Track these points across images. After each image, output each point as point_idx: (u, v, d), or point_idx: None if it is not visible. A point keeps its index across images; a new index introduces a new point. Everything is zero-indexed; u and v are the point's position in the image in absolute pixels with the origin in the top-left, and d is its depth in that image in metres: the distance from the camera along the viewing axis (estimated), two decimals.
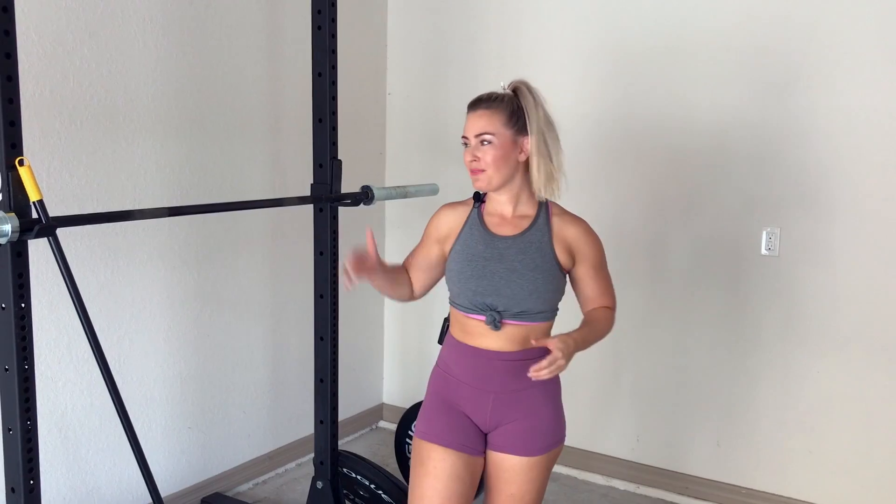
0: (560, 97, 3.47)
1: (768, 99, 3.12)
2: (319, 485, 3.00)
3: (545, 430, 2.04)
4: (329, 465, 2.98)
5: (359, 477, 3.07)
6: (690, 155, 3.30)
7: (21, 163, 1.92)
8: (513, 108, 1.99)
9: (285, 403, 3.68)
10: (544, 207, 2.05)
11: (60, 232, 2.05)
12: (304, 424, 3.73)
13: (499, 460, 2.04)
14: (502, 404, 2.01)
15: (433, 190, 3.26)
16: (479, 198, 2.10)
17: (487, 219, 2.06)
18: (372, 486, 3.06)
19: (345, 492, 3.07)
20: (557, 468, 3.70)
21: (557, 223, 2.03)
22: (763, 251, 3.17)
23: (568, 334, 1.91)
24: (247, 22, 3.30)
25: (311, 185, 2.86)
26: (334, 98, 2.82)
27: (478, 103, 2.01)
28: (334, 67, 2.81)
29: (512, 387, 2.00)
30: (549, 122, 2.02)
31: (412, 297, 2.17)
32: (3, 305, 1.99)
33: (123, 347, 2.97)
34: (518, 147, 1.99)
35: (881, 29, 2.90)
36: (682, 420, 3.45)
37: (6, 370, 2.01)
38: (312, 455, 3.70)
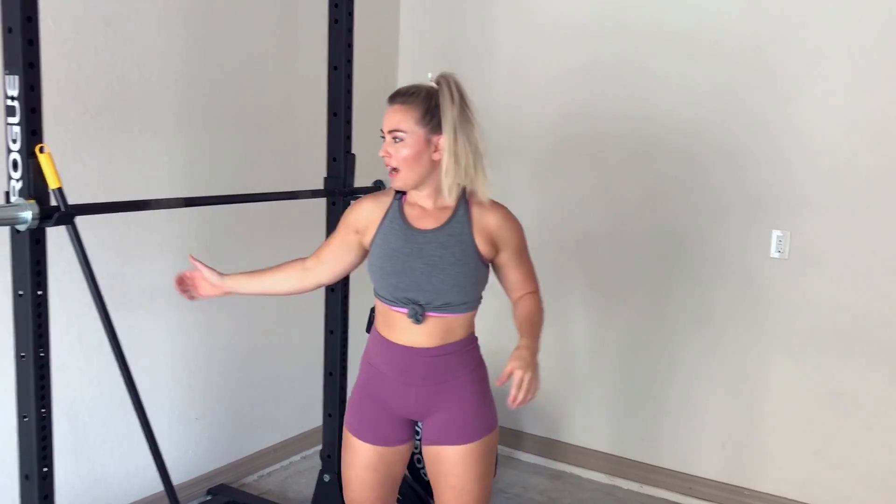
0: (575, 92, 3.50)
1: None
2: (326, 478, 3.01)
3: (475, 418, 2.03)
4: (336, 459, 2.99)
5: None
6: (699, 157, 3.31)
7: (41, 150, 1.92)
8: (429, 104, 1.91)
9: (291, 397, 3.68)
10: (464, 198, 1.99)
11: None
12: (308, 418, 3.74)
13: (434, 453, 2.04)
14: (426, 395, 2.01)
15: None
16: (399, 190, 2.03)
17: (408, 210, 2.00)
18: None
19: None
20: (561, 465, 3.72)
21: (477, 213, 1.98)
22: (773, 254, 3.18)
23: (519, 348, 1.88)
24: (261, 14, 3.30)
25: (325, 178, 2.87)
26: (349, 92, 2.83)
27: (395, 97, 1.95)
28: (350, 61, 2.82)
29: (434, 380, 2.00)
30: (466, 121, 1.92)
31: (306, 284, 2.14)
32: (21, 292, 1.99)
33: (133, 337, 2.97)
34: (432, 146, 1.92)
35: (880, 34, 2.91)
36: (687, 420, 3.45)
37: (22, 357, 2.02)
38: (317, 448, 3.72)
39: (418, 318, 1.93)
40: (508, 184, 3.53)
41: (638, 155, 3.45)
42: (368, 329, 2.14)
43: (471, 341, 2.06)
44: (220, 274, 2.19)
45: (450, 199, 1.96)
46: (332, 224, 2.86)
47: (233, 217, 3.25)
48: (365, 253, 2.07)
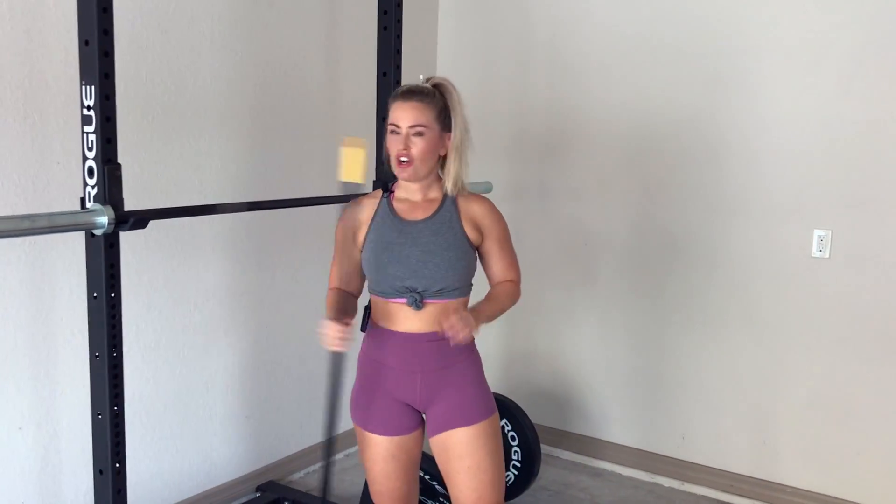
0: (609, 93, 3.56)
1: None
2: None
3: (477, 400, 2.12)
4: None
5: (426, 476, 3.13)
6: (729, 160, 3.35)
7: (355, 144, 1.93)
8: (442, 104, 2.07)
9: None
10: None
11: None
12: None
13: (444, 440, 2.11)
14: (430, 382, 2.09)
15: (487, 188, 3.32)
16: (386, 189, 2.18)
17: (397, 206, 2.13)
18: (426, 476, 3.12)
19: None
20: (601, 463, 3.77)
21: (463, 203, 2.12)
22: (815, 253, 3.21)
23: (469, 309, 2.05)
24: (308, 22, 3.38)
25: (374, 181, 2.93)
26: None
27: (412, 94, 2.05)
28: (399, 67, 2.88)
29: (437, 365, 2.08)
30: (466, 122, 2.12)
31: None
32: (96, 294, 2.06)
33: (188, 337, 3.05)
34: (442, 142, 2.08)
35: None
36: (726, 418, 3.49)
37: (97, 357, 2.10)
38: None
39: (418, 304, 2.03)
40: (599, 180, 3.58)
41: (686, 157, 3.50)
42: (364, 328, 2.20)
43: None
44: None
45: (453, 190, 2.11)
46: None
47: (282, 220, 3.33)
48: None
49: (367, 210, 2.15)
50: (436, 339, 2.06)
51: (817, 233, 3.19)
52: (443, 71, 4.08)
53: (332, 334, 1.96)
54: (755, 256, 3.35)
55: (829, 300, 3.21)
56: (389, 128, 2.07)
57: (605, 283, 3.72)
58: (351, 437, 3.77)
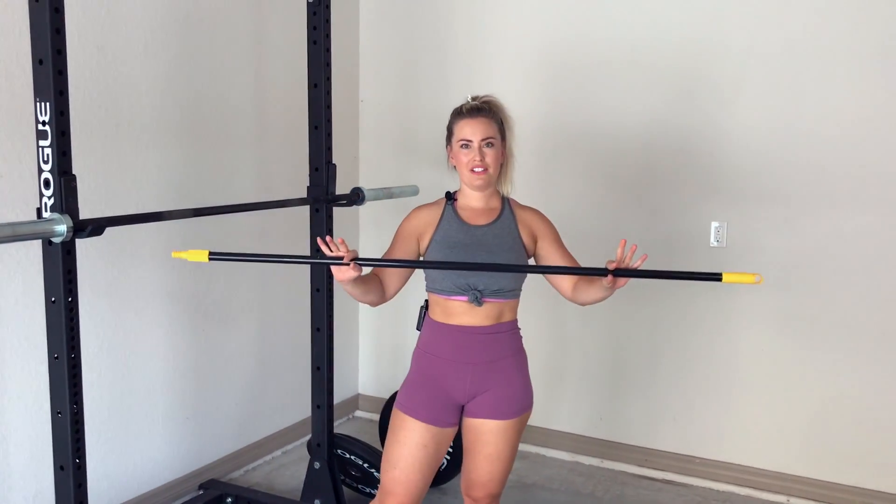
0: (527, 104, 3.79)
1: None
2: (317, 465, 3.23)
3: (517, 397, 2.32)
4: (326, 447, 3.22)
5: (352, 457, 3.31)
6: (659, 157, 3.64)
7: None
8: (499, 119, 2.31)
9: (271, 395, 3.89)
10: (507, 201, 2.38)
11: None
12: (288, 415, 3.96)
13: (477, 425, 2.31)
14: (480, 374, 2.27)
15: (414, 191, 3.53)
16: (450, 197, 2.38)
17: (462, 213, 2.34)
18: (365, 464, 3.30)
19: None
20: (526, 447, 4.01)
21: (519, 212, 2.37)
22: (713, 243, 3.52)
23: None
24: (236, 37, 3.52)
25: (308, 187, 3.10)
26: (329, 107, 3.06)
27: (478, 111, 2.29)
28: (329, 79, 3.06)
29: (488, 357, 2.28)
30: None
31: (383, 300, 2.32)
32: (54, 299, 2.18)
33: (129, 342, 3.15)
34: (503, 152, 2.33)
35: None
36: (641, 398, 3.78)
37: (56, 358, 2.20)
38: (297, 443, 3.95)
39: (479, 301, 2.22)
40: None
41: (604, 157, 3.77)
42: (419, 327, 2.39)
43: (516, 326, 2.36)
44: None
45: (505, 190, 2.37)
46: (315, 229, 3.08)
47: (216, 227, 3.45)
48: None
49: (432, 214, 2.35)
50: (490, 332, 2.27)
51: (714, 224, 3.52)
52: (363, 80, 4.27)
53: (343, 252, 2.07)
54: (667, 246, 3.64)
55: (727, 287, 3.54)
56: (460, 143, 2.27)
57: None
58: (286, 435, 3.96)
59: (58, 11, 2.07)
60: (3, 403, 2.72)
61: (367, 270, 2.20)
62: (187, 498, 3.40)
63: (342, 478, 3.36)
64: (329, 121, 3.08)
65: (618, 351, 3.82)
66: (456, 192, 2.38)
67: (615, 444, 3.86)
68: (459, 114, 2.31)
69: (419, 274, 2.40)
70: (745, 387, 3.56)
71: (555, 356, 3.96)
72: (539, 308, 3.86)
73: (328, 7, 3.03)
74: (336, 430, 3.51)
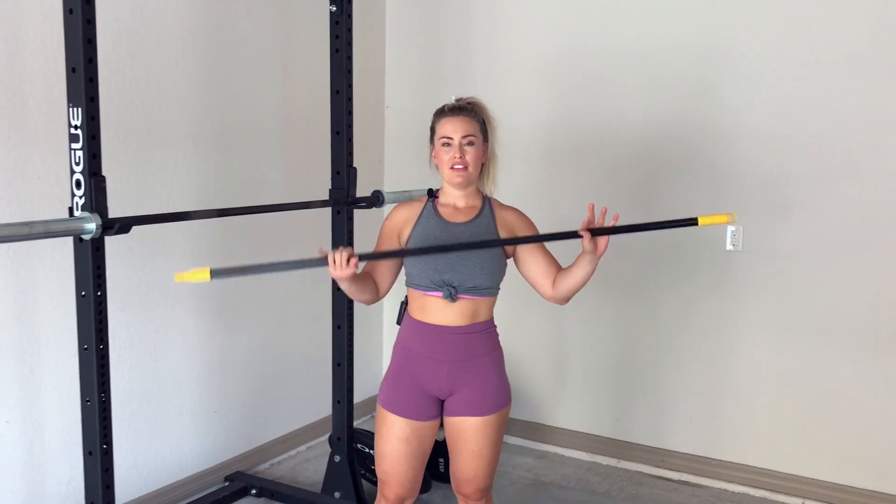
0: (544, 107, 3.87)
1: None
2: (337, 458, 3.34)
3: (493, 393, 2.35)
4: (346, 441, 3.32)
5: (371, 451, 3.41)
6: (663, 161, 3.70)
7: None
8: (481, 119, 2.37)
9: (295, 391, 4.01)
10: (488, 200, 2.41)
11: None
12: (312, 411, 4.07)
13: (456, 423, 2.35)
14: (455, 372, 2.32)
15: (433, 194, 3.61)
16: (431, 194, 2.45)
17: (441, 210, 2.38)
18: (369, 450, 3.39)
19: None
20: (545, 446, 4.08)
21: (499, 211, 2.39)
22: (728, 247, 3.57)
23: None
24: (263, 45, 3.65)
25: (330, 189, 3.21)
26: (350, 112, 3.18)
27: (460, 110, 2.35)
28: (350, 86, 3.17)
29: (463, 356, 2.31)
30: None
31: (377, 297, 2.40)
32: (84, 293, 2.31)
33: (159, 338, 3.29)
34: (484, 151, 2.37)
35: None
36: (658, 400, 3.83)
37: (85, 349, 2.34)
38: (321, 439, 4.06)
39: (452, 297, 2.27)
40: None
41: (620, 162, 3.84)
42: (399, 321, 2.45)
43: (492, 325, 2.41)
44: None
45: (487, 189, 2.42)
46: (337, 230, 3.20)
47: (243, 227, 3.58)
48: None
49: (412, 211, 2.41)
50: (464, 333, 2.31)
51: (729, 228, 3.57)
52: (389, 87, 4.39)
53: (341, 256, 2.14)
54: (683, 250, 3.70)
55: (744, 289, 3.58)
56: (441, 141, 2.33)
57: None
58: (311, 430, 4.08)
59: (90, 23, 2.21)
60: (39, 394, 2.87)
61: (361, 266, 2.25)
62: (213, 489, 3.53)
63: (361, 472, 3.46)
64: (350, 126, 3.19)
65: (635, 353, 3.87)
66: (438, 190, 2.43)
67: (632, 445, 3.91)
68: (442, 113, 2.37)
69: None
70: (761, 389, 3.59)
71: (572, 357, 4.02)
72: (556, 309, 3.94)
73: (350, 17, 3.15)
74: (359, 427, 3.62)
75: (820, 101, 3.36)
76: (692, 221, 2.14)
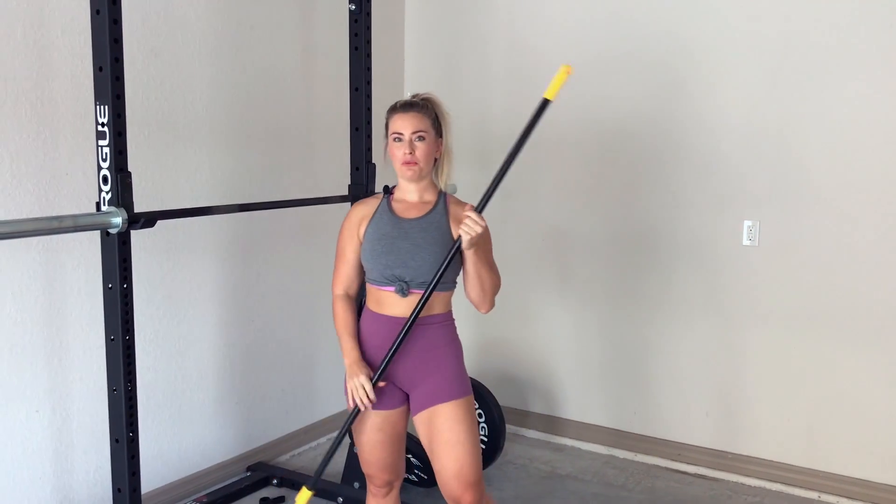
0: (559, 102, 3.91)
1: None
2: (356, 450, 3.39)
3: (455, 381, 2.36)
4: None
5: None
6: (679, 159, 3.73)
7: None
8: (434, 115, 2.39)
9: (317, 384, 4.08)
10: (443, 196, 2.42)
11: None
12: (333, 403, 4.14)
13: (426, 416, 2.35)
14: (414, 363, 2.34)
15: (452, 189, 3.65)
16: (387, 191, 2.47)
17: (395, 206, 2.40)
18: None
19: None
20: (562, 439, 4.12)
21: (453, 208, 2.39)
22: (745, 242, 3.59)
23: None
24: (284, 43, 3.72)
25: (349, 185, 3.27)
26: (369, 109, 3.23)
27: (410, 106, 2.36)
28: (369, 83, 3.22)
29: (420, 348, 2.34)
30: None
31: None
32: (110, 285, 2.39)
33: (183, 330, 3.36)
34: (437, 146, 2.39)
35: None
36: (674, 394, 3.86)
37: (112, 340, 2.41)
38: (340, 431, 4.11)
39: (404, 292, 2.31)
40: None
41: (636, 156, 3.87)
42: (358, 318, 2.46)
43: (448, 318, 2.42)
44: (368, 375, 2.34)
45: (441, 184, 2.42)
46: None
47: (264, 222, 3.65)
48: None
49: (368, 208, 2.44)
50: (420, 325, 2.32)
51: (746, 223, 3.59)
52: (408, 84, 4.44)
53: (364, 395, 2.27)
54: (699, 245, 3.72)
55: (760, 284, 3.60)
56: (392, 136, 2.35)
57: (565, 278, 4.08)
58: (332, 422, 4.14)
59: (116, 23, 2.28)
60: (66, 385, 2.95)
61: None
62: (235, 479, 3.60)
63: None
64: (369, 122, 3.24)
65: (652, 347, 3.90)
66: (394, 186, 2.46)
67: (648, 439, 3.94)
68: (394, 109, 2.39)
69: None
70: (777, 383, 3.61)
71: (589, 352, 4.06)
72: (574, 304, 3.98)
73: (369, 15, 3.20)
74: None
75: (834, 95, 3.37)
76: (544, 103, 2.22)
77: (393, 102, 2.42)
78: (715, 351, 3.74)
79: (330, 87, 3.91)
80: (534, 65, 4.05)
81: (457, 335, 2.46)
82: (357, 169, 3.26)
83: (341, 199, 3.20)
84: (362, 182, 3.24)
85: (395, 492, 2.55)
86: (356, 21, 3.19)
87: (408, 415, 2.47)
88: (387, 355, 2.28)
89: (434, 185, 2.44)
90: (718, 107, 3.62)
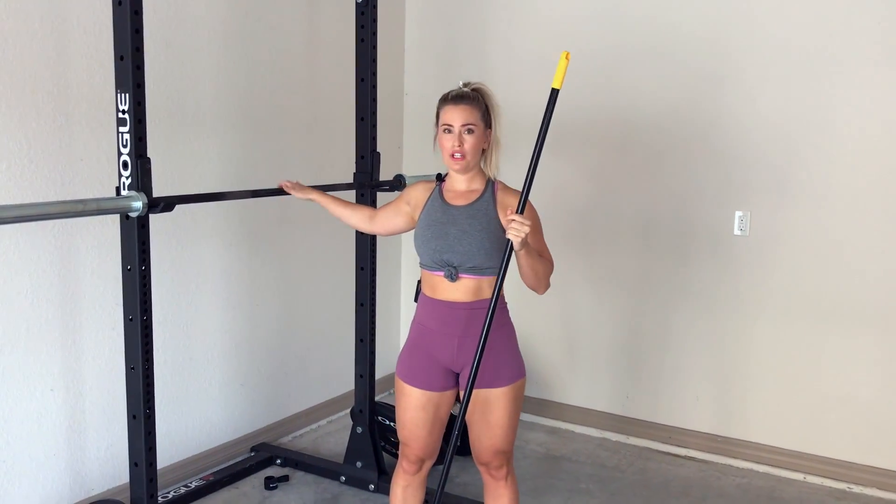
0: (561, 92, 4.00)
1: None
2: (359, 430, 3.50)
3: (506, 366, 2.42)
4: (367, 413, 3.48)
5: (391, 423, 3.58)
6: (676, 151, 3.84)
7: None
8: (484, 106, 2.42)
9: (319, 367, 4.18)
10: (491, 184, 2.47)
11: None
12: (334, 386, 4.24)
13: (482, 395, 2.41)
14: (466, 345, 2.40)
15: (441, 178, 3.77)
16: (440, 178, 2.57)
17: (446, 194, 2.48)
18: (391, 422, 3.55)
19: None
20: (557, 422, 4.24)
21: (501, 195, 2.44)
22: (736, 232, 3.71)
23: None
24: (291, 35, 3.81)
25: (354, 173, 3.37)
26: (374, 99, 3.32)
27: (461, 98, 2.39)
28: (374, 73, 3.31)
29: (471, 331, 2.39)
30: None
31: (370, 229, 2.75)
32: (129, 267, 2.47)
33: (190, 314, 3.45)
34: (485, 138, 2.43)
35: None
36: (666, 379, 3.98)
37: (130, 319, 2.50)
38: (341, 413, 4.23)
39: (452, 277, 2.39)
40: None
41: (629, 146, 3.98)
42: (416, 299, 2.57)
43: (499, 301, 2.47)
44: (302, 186, 2.90)
45: (490, 174, 2.46)
46: None
47: (270, 208, 3.75)
48: (409, 222, 2.58)
49: (425, 192, 2.54)
50: (470, 309, 2.40)
51: (737, 213, 3.70)
52: (408, 75, 4.53)
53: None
54: (693, 234, 3.84)
55: (750, 273, 3.72)
56: (442, 128, 2.39)
57: (558, 264, 4.17)
58: (333, 405, 4.24)
59: (137, 13, 2.36)
60: (80, 364, 3.04)
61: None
62: (240, 458, 3.70)
63: (382, 443, 3.62)
64: (374, 112, 3.34)
65: (644, 333, 4.02)
66: (447, 174, 2.54)
67: (641, 422, 4.06)
68: (445, 100, 2.42)
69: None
70: (763, 369, 3.74)
71: (583, 337, 4.18)
72: (569, 290, 4.09)
73: (375, 7, 3.29)
74: (379, 400, 3.78)
75: (826, 92, 3.49)
76: (553, 93, 2.28)
77: (446, 91, 2.45)
78: (706, 337, 3.87)
79: (336, 77, 3.99)
80: (533, 54, 4.15)
81: (509, 318, 2.52)
82: (362, 157, 3.35)
83: (347, 186, 3.29)
84: (367, 170, 3.33)
85: (424, 472, 2.60)
86: (362, 13, 3.28)
87: (453, 399, 2.54)
88: (474, 361, 2.32)
89: (482, 173, 2.48)
90: (717, 98, 3.72)
